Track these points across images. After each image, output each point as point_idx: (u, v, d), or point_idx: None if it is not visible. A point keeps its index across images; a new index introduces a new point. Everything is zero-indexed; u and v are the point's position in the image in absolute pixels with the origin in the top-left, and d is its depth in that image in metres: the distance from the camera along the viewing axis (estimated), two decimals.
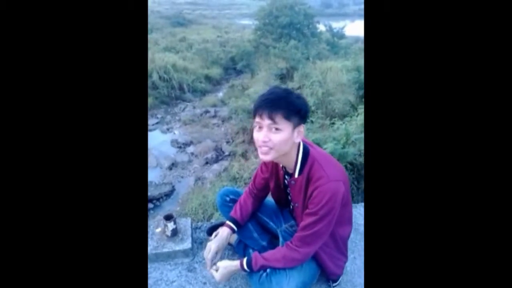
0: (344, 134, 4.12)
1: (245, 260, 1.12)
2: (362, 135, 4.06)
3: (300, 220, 1.11)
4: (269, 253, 1.12)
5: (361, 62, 7.74)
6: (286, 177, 1.18)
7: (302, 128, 1.02)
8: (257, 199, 1.35)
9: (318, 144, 3.54)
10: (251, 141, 6.81)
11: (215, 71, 10.62)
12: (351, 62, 7.76)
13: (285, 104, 0.97)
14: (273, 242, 1.35)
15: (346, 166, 3.28)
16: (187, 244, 1.37)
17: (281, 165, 1.17)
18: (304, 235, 1.05)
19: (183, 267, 1.34)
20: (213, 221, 1.57)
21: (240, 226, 1.30)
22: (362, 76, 7.10)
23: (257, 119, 1.00)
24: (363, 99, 5.76)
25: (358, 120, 4.85)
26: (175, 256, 1.36)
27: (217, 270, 1.15)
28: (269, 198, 1.40)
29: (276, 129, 0.97)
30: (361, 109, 5.13)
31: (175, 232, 1.40)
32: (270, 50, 10.59)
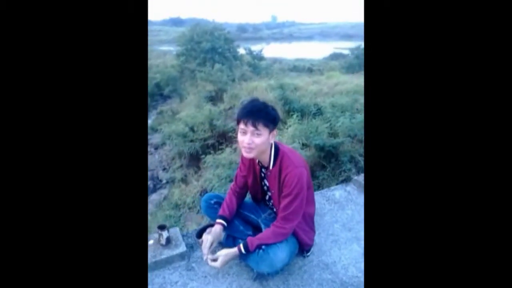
0: None
1: (241, 244, 1.36)
2: (295, 144, 4.59)
3: (277, 204, 1.41)
4: (260, 234, 1.38)
5: (283, 80, 8.61)
6: (263, 170, 1.47)
7: (275, 132, 1.34)
8: (239, 197, 1.61)
9: None
10: (189, 164, 6.84)
11: None
12: (274, 81, 8.54)
13: (265, 115, 1.28)
14: (256, 231, 1.61)
15: None
16: (182, 248, 1.53)
17: (257, 161, 1.46)
18: (285, 214, 1.34)
19: (182, 268, 1.49)
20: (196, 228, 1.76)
21: (228, 222, 1.53)
22: (286, 93, 7.88)
23: (242, 126, 1.29)
24: (290, 113, 6.35)
25: (289, 131, 5.42)
26: (173, 261, 1.51)
27: (215, 260, 1.36)
28: (246, 199, 1.68)
29: (258, 134, 1.28)
30: (290, 121, 5.72)
31: (169, 240, 1.55)
32: (196, 74, 10.85)
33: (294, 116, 5.76)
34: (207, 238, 1.42)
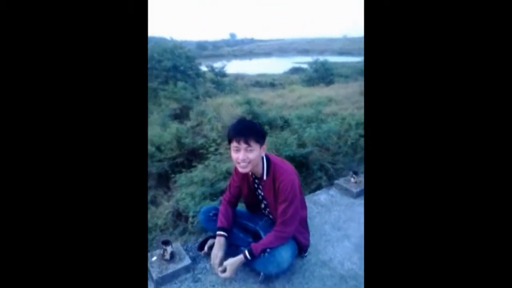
0: None
1: (246, 251, 1.44)
2: None
3: (274, 211, 1.52)
4: (263, 240, 1.47)
5: (249, 95, 8.85)
6: (256, 181, 1.58)
7: (264, 145, 1.47)
8: (233, 206, 1.70)
9: (231, 172, 3.96)
10: (158, 185, 6.67)
11: None
12: (241, 97, 8.74)
13: (255, 132, 1.40)
14: (255, 237, 1.70)
15: None
16: (186, 261, 1.56)
17: (250, 173, 1.56)
18: (284, 219, 1.45)
19: (189, 281, 1.52)
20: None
21: (228, 232, 1.61)
22: (253, 108, 8.11)
23: (235, 144, 1.39)
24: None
25: None
26: (179, 275, 1.53)
27: (224, 271, 1.43)
28: (242, 209, 1.77)
29: (250, 150, 1.39)
30: None
31: (173, 255, 1.57)
32: (159, 93, 10.72)
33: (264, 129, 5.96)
34: (217, 254, 1.48)
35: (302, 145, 4.91)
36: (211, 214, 1.70)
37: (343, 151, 6.01)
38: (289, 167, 1.52)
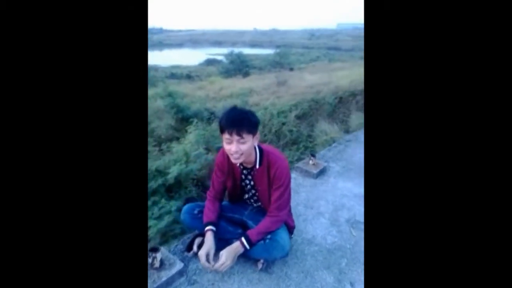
0: (183, 154, 4.50)
1: (243, 239, 1.41)
2: (200, 150, 4.59)
3: (265, 198, 1.54)
4: (258, 227, 1.46)
5: (171, 88, 8.38)
6: (245, 171, 1.56)
7: (257, 135, 1.44)
8: (219, 201, 1.64)
9: (162, 170, 3.75)
10: None
11: None
12: (162, 89, 8.18)
13: (247, 122, 1.34)
14: (243, 228, 1.68)
15: (192, 182, 3.62)
16: (179, 265, 1.45)
17: (238, 164, 1.53)
18: (279, 204, 1.47)
19: (185, 285, 1.41)
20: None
21: (216, 226, 1.55)
22: (177, 101, 7.72)
23: (227, 136, 1.33)
24: (189, 120, 6.28)
25: (191, 138, 5.39)
26: (173, 281, 1.40)
27: (222, 263, 1.38)
28: (224, 202, 1.72)
29: (243, 142, 1.34)
30: (190, 128, 5.68)
31: (162, 262, 1.43)
32: None
33: (194, 122, 5.77)
34: (202, 253, 1.39)
35: None
36: (195, 212, 1.61)
37: (268, 139, 6.29)
38: (280, 153, 1.54)
